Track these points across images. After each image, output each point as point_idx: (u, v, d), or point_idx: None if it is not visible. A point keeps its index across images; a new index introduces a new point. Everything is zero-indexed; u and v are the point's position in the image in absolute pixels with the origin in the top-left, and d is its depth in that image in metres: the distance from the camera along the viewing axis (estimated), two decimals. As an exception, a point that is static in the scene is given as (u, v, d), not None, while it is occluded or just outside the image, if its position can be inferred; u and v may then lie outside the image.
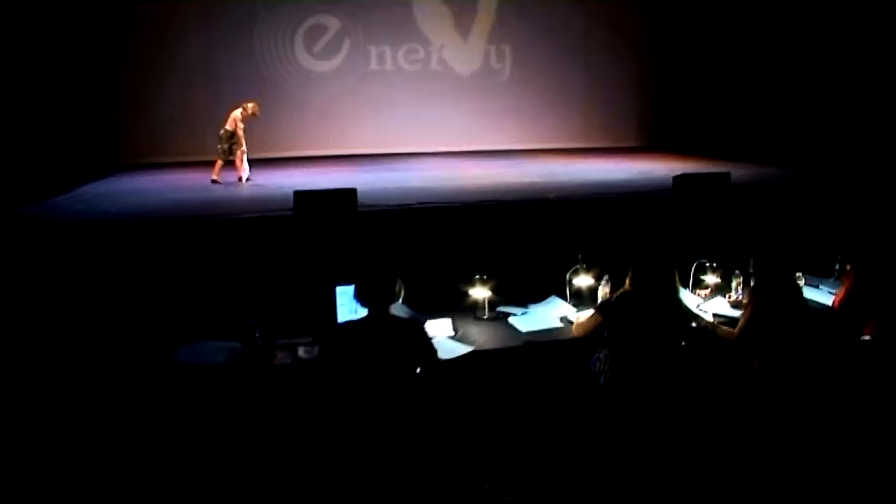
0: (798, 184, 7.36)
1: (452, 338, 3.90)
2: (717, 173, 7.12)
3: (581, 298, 4.50)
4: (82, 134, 9.58)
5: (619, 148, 11.34)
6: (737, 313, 4.28)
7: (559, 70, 11.59)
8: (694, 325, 4.09)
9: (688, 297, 4.54)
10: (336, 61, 11.12)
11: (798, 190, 7.03)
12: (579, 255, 4.43)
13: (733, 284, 4.65)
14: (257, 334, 3.88)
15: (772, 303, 3.88)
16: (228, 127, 8.00)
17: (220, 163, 7.97)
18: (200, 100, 10.51)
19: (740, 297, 4.59)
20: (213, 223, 5.51)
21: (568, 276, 4.48)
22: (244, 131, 8.11)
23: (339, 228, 5.62)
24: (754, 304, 3.90)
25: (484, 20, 11.44)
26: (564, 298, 4.50)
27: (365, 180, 7.59)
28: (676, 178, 7.10)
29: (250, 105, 8.02)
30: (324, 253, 5.20)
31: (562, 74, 11.61)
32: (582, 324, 3.81)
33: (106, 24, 10.14)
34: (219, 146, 7.94)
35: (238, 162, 8.09)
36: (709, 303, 4.54)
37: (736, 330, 3.87)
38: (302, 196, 5.99)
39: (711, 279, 4.71)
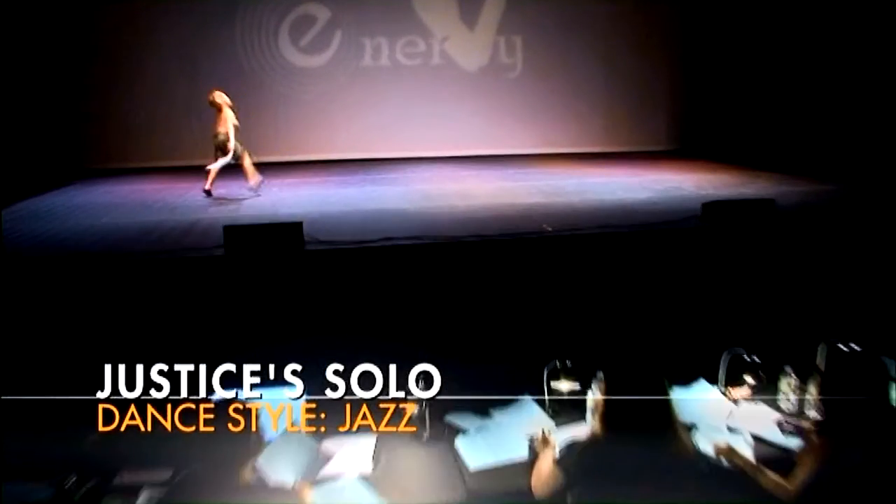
0: (860, 207, 5.89)
1: (366, 478, 2.67)
2: (757, 200, 5.72)
3: (563, 406, 3.13)
4: (46, 136, 9.18)
5: (645, 153, 10.35)
6: (790, 439, 2.86)
7: (577, 65, 10.66)
8: (724, 461, 2.68)
9: (714, 402, 3.15)
10: (326, 56, 10.33)
11: (863, 218, 5.52)
12: (556, 361, 3.08)
13: (783, 386, 3.22)
14: (73, 479, 2.52)
15: (849, 430, 2.45)
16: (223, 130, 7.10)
17: (247, 166, 7.22)
18: (176, 99, 9.83)
19: (793, 406, 3.16)
20: (123, 264, 4.65)
21: (546, 374, 3.12)
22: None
23: (275, 277, 4.64)
24: (824, 443, 2.47)
25: (493, 8, 10.57)
26: (542, 403, 3.12)
27: (341, 197, 7.01)
28: (707, 207, 5.67)
29: (219, 94, 7.15)
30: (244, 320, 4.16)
31: (580, 69, 10.68)
32: (540, 480, 2.56)
33: (73, 14, 9.52)
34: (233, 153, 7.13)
35: (214, 170, 7.24)
36: (745, 412, 3.14)
37: (793, 485, 2.44)
38: (233, 232, 4.81)
39: (751, 379, 3.28)
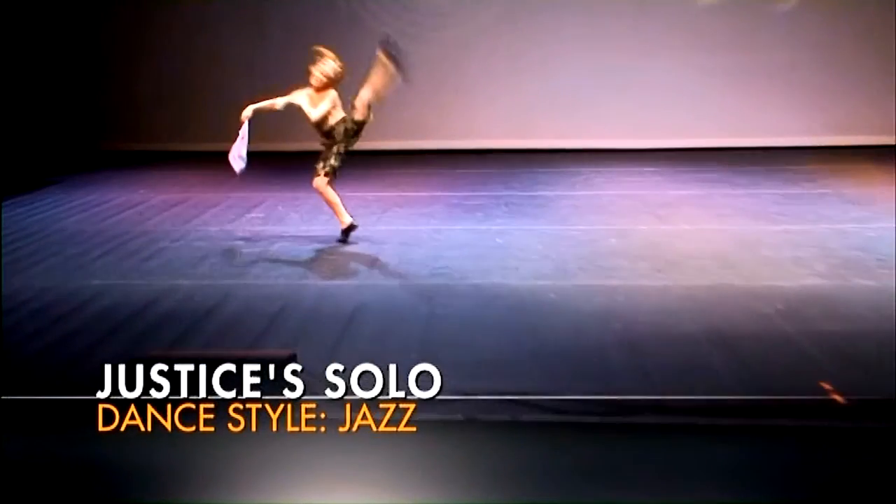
0: None
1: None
2: None
3: None
4: (50, 109, 9.70)
5: None
6: None
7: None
8: None
9: None
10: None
11: None
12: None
13: None
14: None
15: None
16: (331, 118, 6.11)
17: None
18: (232, 53, 9.84)
19: None
20: None
21: None
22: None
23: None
24: None
25: None
26: None
27: (436, 248, 6.03)
28: None
29: (333, 66, 5.95)
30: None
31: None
32: None
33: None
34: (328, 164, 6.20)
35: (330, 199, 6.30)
36: None
37: None
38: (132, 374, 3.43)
39: None
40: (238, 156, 6.20)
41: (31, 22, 9.41)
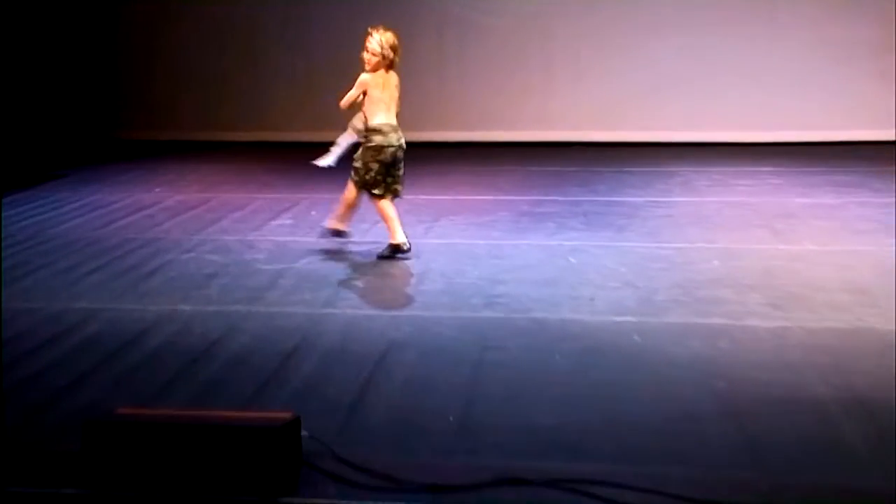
0: None
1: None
2: None
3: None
4: (68, 96, 10.08)
5: None
6: None
7: None
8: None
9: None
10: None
11: None
12: None
13: None
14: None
15: None
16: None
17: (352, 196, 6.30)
18: (268, 27, 10.05)
19: None
20: None
21: None
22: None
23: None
24: None
25: None
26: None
27: (491, 276, 5.81)
28: None
29: (378, 39, 5.97)
30: None
31: None
32: None
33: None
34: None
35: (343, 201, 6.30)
36: None
37: None
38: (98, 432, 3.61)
39: None
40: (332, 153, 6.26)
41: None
